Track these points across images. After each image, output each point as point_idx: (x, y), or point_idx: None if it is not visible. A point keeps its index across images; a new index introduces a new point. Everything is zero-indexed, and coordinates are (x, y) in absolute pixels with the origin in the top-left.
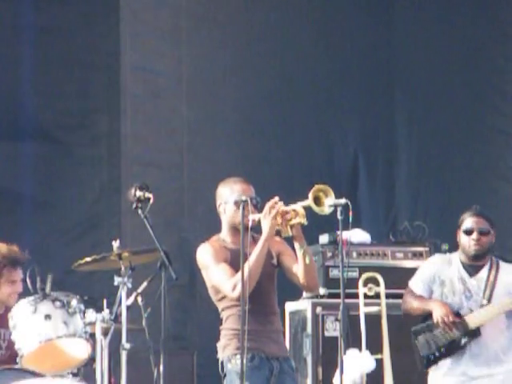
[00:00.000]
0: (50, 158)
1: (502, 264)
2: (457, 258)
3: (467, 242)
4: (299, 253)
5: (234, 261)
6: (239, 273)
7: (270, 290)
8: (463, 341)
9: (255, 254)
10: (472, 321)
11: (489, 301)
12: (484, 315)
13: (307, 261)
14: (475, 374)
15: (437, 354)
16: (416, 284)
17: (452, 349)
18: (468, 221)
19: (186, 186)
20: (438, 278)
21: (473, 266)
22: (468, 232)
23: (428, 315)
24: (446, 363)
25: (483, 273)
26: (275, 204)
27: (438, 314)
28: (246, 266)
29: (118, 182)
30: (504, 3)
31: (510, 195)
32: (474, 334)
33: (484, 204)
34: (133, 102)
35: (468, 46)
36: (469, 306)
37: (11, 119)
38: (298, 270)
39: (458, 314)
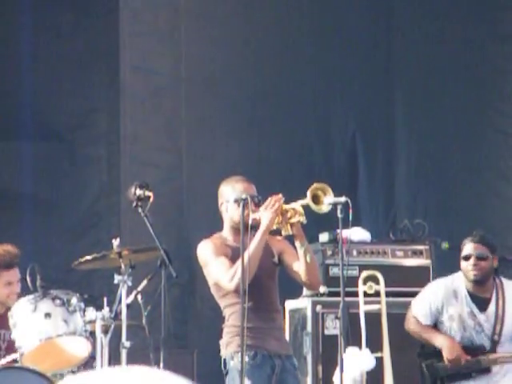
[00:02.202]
0: (49, 157)
1: (506, 286)
2: (462, 287)
3: (466, 268)
4: (300, 251)
5: (235, 258)
6: (236, 264)
7: (271, 287)
8: (474, 374)
9: (253, 245)
10: (485, 361)
11: (499, 336)
12: (498, 359)
13: (308, 259)
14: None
15: (445, 380)
16: (421, 314)
17: (461, 378)
18: (466, 247)
19: (185, 185)
20: (445, 311)
21: (481, 299)
22: (466, 258)
23: None
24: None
25: (492, 306)
26: (279, 199)
27: (449, 356)
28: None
29: (118, 181)
30: (504, 3)
31: (509, 195)
32: (485, 371)
33: (484, 204)
34: (132, 102)
35: (468, 46)
36: (480, 340)
37: (11, 119)
38: (299, 268)
39: (470, 349)
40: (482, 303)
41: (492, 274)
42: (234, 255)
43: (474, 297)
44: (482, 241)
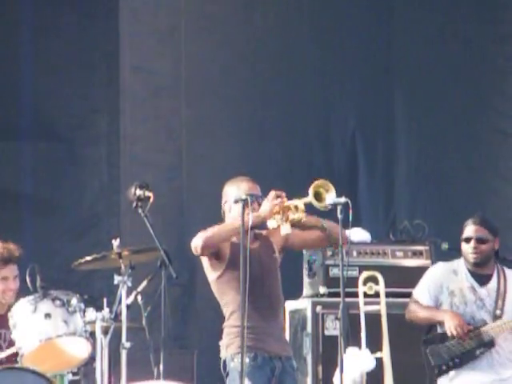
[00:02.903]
0: (49, 157)
1: (508, 272)
2: (462, 266)
3: (466, 250)
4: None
5: (234, 254)
6: (213, 228)
7: (273, 284)
8: (478, 351)
9: (238, 220)
10: (487, 333)
11: (501, 311)
12: (499, 328)
13: (325, 226)
14: (489, 380)
15: (450, 364)
16: (422, 294)
17: (466, 359)
18: (467, 229)
19: (185, 185)
20: (445, 288)
21: (481, 275)
22: (467, 240)
23: (434, 324)
24: (460, 373)
25: (493, 282)
26: (282, 196)
27: (452, 325)
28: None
29: (118, 181)
30: (504, 3)
31: (509, 195)
32: (489, 344)
33: (484, 204)
34: (132, 102)
35: (468, 46)
36: (481, 315)
37: (11, 119)
38: (314, 234)
39: (471, 324)
40: (482, 279)
41: (492, 257)
42: (233, 251)
43: (474, 274)
44: (482, 223)
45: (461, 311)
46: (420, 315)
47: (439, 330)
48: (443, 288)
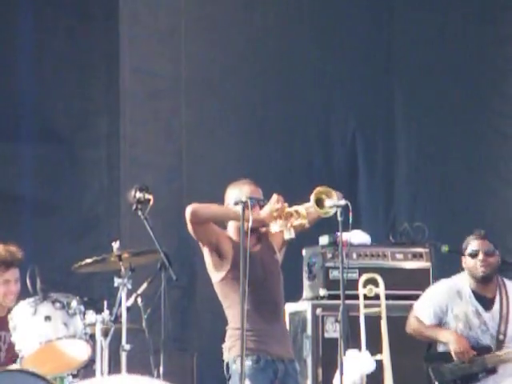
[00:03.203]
0: (49, 159)
1: (509, 285)
2: (466, 286)
3: (474, 265)
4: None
5: (238, 256)
6: (212, 204)
7: (276, 287)
8: (480, 375)
9: (234, 210)
10: (491, 360)
11: (504, 335)
12: (504, 358)
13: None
14: None
15: None
16: (425, 314)
17: (468, 381)
18: (473, 244)
19: (185, 187)
20: (450, 311)
21: (485, 298)
22: (474, 254)
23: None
24: None
25: (496, 305)
26: (282, 202)
27: (457, 349)
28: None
29: (118, 183)
30: (504, 3)
31: (509, 196)
32: (492, 371)
33: (484, 205)
34: (132, 104)
35: (468, 46)
36: (485, 339)
37: (11, 121)
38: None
39: (475, 348)
40: (486, 302)
41: (497, 271)
42: (236, 251)
43: (478, 296)
44: (486, 237)
45: (465, 335)
46: (423, 334)
47: (441, 348)
48: (448, 311)
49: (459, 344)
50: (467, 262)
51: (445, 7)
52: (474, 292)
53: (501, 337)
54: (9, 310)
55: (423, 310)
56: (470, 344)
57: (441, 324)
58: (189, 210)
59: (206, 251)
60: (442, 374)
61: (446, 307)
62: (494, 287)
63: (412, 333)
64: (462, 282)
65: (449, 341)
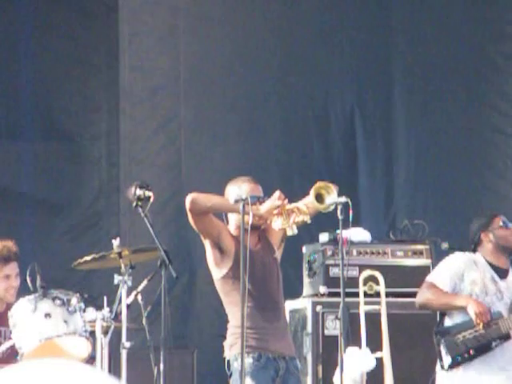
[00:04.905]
0: (49, 156)
1: None
2: (481, 258)
3: (506, 235)
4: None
5: (239, 250)
6: (213, 195)
7: (274, 285)
8: (494, 343)
9: (231, 203)
10: (504, 325)
11: None
12: None
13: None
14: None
15: (466, 356)
16: (442, 280)
17: (481, 350)
18: (499, 218)
19: (184, 184)
20: (467, 276)
21: (500, 269)
22: (506, 226)
23: (443, 314)
24: (472, 364)
25: (510, 276)
26: (283, 199)
27: (476, 311)
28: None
29: (117, 181)
30: (504, 3)
31: (509, 195)
32: (505, 337)
33: (483, 204)
34: (131, 102)
35: (468, 46)
36: (498, 307)
37: (11, 118)
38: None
39: (490, 315)
40: (501, 271)
41: None
42: (238, 248)
43: (493, 266)
44: None
45: (480, 300)
46: (439, 300)
47: (448, 321)
48: (464, 276)
49: (478, 305)
50: (497, 234)
51: (445, 7)
52: (488, 262)
53: None
54: (8, 306)
55: (439, 276)
56: None
57: (455, 292)
58: (188, 198)
59: (207, 245)
60: (456, 345)
61: (462, 272)
62: (506, 260)
63: (425, 302)
64: (476, 254)
65: (467, 303)
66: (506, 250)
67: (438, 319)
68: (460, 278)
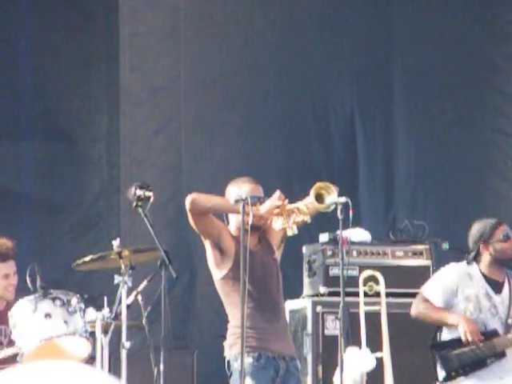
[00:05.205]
0: (49, 157)
1: None
2: (476, 270)
3: (507, 248)
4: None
5: (239, 251)
6: (213, 195)
7: (274, 286)
8: (489, 361)
9: (232, 203)
10: (500, 344)
11: None
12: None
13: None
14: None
15: (460, 372)
16: (435, 295)
17: (476, 367)
18: (501, 229)
19: (184, 185)
20: (461, 292)
21: (496, 282)
22: (506, 238)
23: (439, 327)
24: (467, 380)
25: (506, 289)
26: (283, 200)
27: (467, 331)
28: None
29: (118, 181)
30: (503, 3)
31: (509, 195)
32: (501, 355)
33: (483, 204)
34: (132, 102)
35: (468, 46)
36: (493, 323)
37: (11, 119)
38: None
39: (484, 332)
40: (496, 286)
41: None
42: (238, 249)
43: (488, 279)
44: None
45: (474, 317)
46: (431, 316)
47: (446, 335)
48: (458, 292)
49: (469, 325)
50: (497, 246)
51: (444, 7)
52: (484, 275)
53: (509, 321)
54: (8, 304)
55: (433, 291)
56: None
57: (448, 307)
58: (189, 198)
59: (208, 246)
60: (451, 361)
61: (456, 288)
62: (503, 272)
63: (418, 315)
64: (472, 266)
65: (458, 322)
66: (504, 263)
67: (434, 332)
68: (454, 294)
